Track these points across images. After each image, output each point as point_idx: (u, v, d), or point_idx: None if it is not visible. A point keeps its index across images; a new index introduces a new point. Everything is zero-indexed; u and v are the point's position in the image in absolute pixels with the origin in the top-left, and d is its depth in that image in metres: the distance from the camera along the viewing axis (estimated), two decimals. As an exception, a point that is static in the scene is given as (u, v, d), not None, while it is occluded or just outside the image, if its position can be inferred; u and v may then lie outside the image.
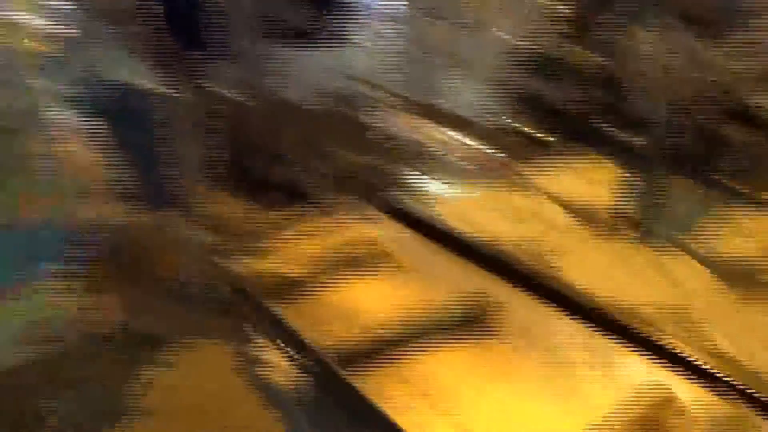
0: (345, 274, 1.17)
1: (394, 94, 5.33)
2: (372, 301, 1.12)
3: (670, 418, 0.81)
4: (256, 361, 1.20)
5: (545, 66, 4.91)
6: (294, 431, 1.12)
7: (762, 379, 0.90)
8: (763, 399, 0.84)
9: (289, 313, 1.08)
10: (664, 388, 0.83)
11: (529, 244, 1.23)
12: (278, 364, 1.18)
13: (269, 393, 1.17)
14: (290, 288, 1.11)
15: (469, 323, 1.02)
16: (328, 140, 3.60)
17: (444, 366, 0.96)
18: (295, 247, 1.18)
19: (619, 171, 1.57)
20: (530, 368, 0.95)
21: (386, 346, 0.97)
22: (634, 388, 0.84)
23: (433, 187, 1.50)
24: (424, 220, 1.34)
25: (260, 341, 1.22)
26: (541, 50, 4.84)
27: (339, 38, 3.26)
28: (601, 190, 1.50)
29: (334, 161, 3.80)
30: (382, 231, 1.28)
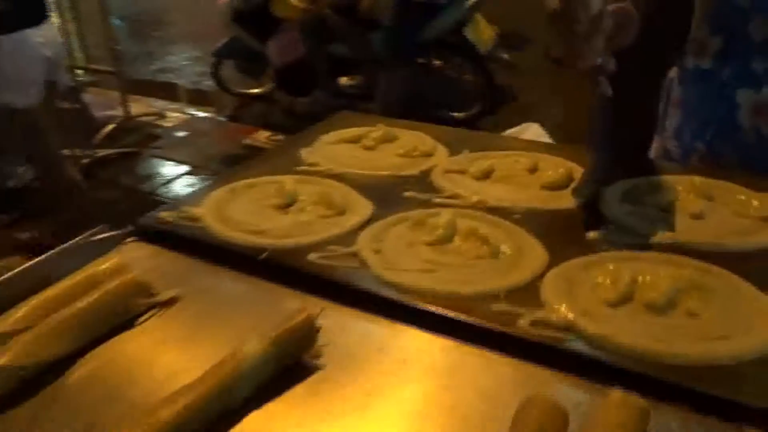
0: (103, 336, 0.86)
1: (111, 74, 4.90)
2: (151, 367, 0.82)
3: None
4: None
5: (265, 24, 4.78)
6: None
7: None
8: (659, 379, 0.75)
9: (34, 408, 0.76)
10: (546, 398, 0.68)
11: (326, 239, 1.02)
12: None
13: None
14: (31, 370, 0.79)
15: (286, 363, 0.78)
16: (47, 141, 3.09)
17: (280, 421, 0.73)
18: (30, 308, 0.86)
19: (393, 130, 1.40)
20: (380, 400, 0.76)
21: (204, 419, 0.70)
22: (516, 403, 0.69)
23: (177, 178, 1.21)
24: (190, 236, 1.05)
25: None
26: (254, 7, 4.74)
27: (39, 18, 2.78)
28: (383, 156, 1.32)
29: (60, 167, 3.29)
30: (140, 262, 0.97)
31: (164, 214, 1.10)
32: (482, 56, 4.62)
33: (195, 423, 0.71)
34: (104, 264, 0.95)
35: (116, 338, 0.87)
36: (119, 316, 0.89)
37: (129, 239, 1.06)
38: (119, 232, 1.04)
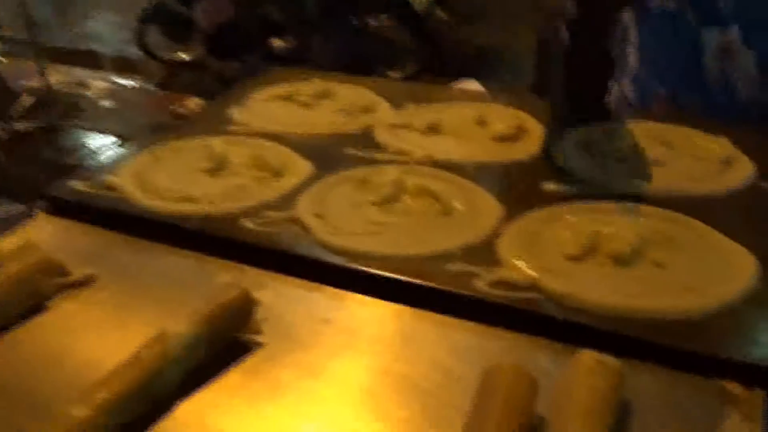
0: (8, 324, 0.75)
1: (26, 42, 4.61)
2: (64, 358, 0.72)
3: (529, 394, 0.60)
4: None
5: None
6: None
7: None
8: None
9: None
10: (512, 365, 0.62)
11: (262, 204, 0.92)
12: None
13: None
14: None
15: (220, 343, 0.69)
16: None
17: (216, 407, 0.64)
18: None
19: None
20: (328, 377, 0.68)
21: (128, 412, 0.61)
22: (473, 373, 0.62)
23: (104, 149, 1.10)
24: (107, 208, 0.94)
25: None
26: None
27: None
28: (320, 113, 1.23)
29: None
30: (50, 238, 0.86)
31: (77, 184, 0.98)
32: (418, 14, 4.52)
33: (117, 417, 0.61)
34: (7, 241, 0.83)
35: (23, 326, 0.76)
36: (26, 301, 0.78)
37: (36, 213, 0.94)
38: (24, 205, 0.92)
